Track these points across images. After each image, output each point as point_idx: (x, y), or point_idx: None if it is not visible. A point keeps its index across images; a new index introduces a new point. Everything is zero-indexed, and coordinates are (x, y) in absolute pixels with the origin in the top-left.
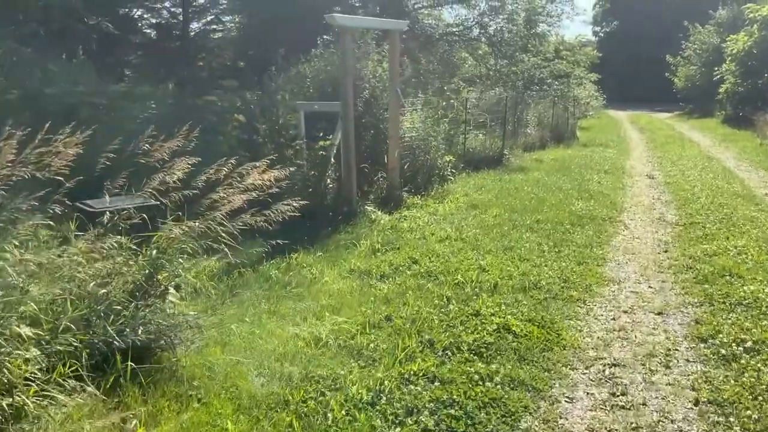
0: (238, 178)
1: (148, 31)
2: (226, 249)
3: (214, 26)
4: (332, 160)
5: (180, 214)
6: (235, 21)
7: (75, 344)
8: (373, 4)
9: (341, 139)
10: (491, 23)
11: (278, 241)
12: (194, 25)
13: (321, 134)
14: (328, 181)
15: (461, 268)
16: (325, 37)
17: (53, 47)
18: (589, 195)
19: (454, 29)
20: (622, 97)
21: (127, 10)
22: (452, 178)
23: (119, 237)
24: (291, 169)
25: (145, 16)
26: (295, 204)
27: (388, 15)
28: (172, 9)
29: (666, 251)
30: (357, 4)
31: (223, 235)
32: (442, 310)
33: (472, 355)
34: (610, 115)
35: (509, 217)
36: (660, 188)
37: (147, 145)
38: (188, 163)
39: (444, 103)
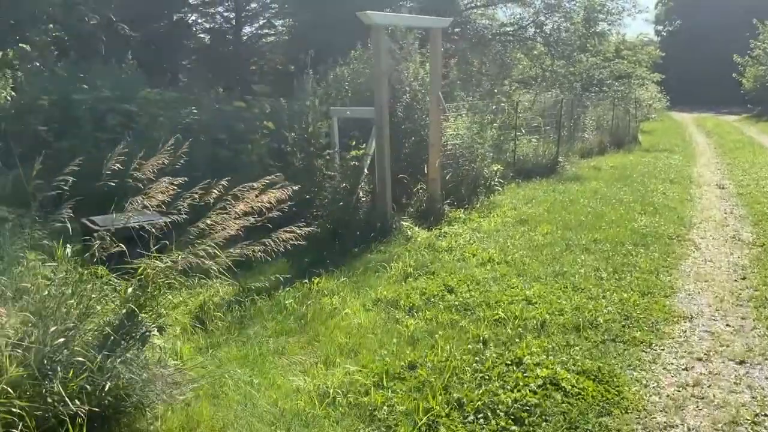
0: (232, 201)
1: (202, 35)
2: (217, 283)
3: (266, 30)
4: (366, 171)
5: (167, 243)
6: (287, 24)
7: (15, 410)
8: (422, 4)
9: (375, 148)
10: (547, 22)
11: (276, 276)
12: (247, 30)
13: (353, 143)
14: (361, 194)
15: (503, 299)
16: None
17: (99, 52)
18: (654, 209)
19: (508, 29)
20: (686, 98)
21: (181, 15)
22: (500, 188)
23: (98, 267)
24: (294, 188)
25: (200, 21)
26: (299, 231)
27: (438, 15)
28: (225, 14)
29: (744, 278)
30: (408, 5)
31: (214, 268)
32: (477, 356)
33: (510, 421)
34: (674, 117)
35: (562, 236)
36: (732, 200)
37: (118, 165)
38: (173, 183)
39: (494, 107)
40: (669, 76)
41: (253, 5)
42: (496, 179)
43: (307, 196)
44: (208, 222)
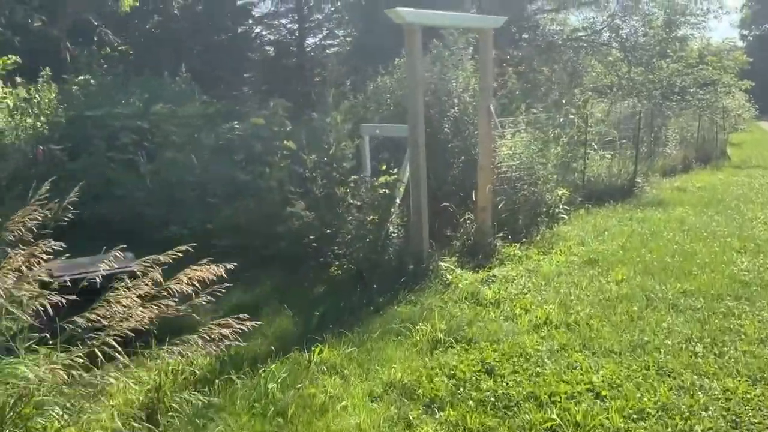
0: (129, 284)
1: (267, 48)
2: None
3: (329, 41)
4: (398, 201)
5: (47, 335)
6: (349, 34)
7: None
8: (484, 9)
9: (410, 172)
10: (623, 26)
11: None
12: (310, 41)
13: (384, 167)
14: (392, 228)
15: (560, 390)
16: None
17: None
18: (755, 245)
19: (581, 34)
20: None
21: (245, 27)
22: (565, 216)
23: None
24: (229, 266)
25: (264, 33)
26: (238, 326)
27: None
28: (289, 25)
29: None
30: (472, 11)
31: (111, 379)
32: None
33: None
34: (763, 128)
35: (641, 284)
36: None
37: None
38: (46, 247)
39: (561, 119)
40: (756, 83)
41: (317, 15)
42: (561, 206)
43: (328, 231)
44: (99, 314)
